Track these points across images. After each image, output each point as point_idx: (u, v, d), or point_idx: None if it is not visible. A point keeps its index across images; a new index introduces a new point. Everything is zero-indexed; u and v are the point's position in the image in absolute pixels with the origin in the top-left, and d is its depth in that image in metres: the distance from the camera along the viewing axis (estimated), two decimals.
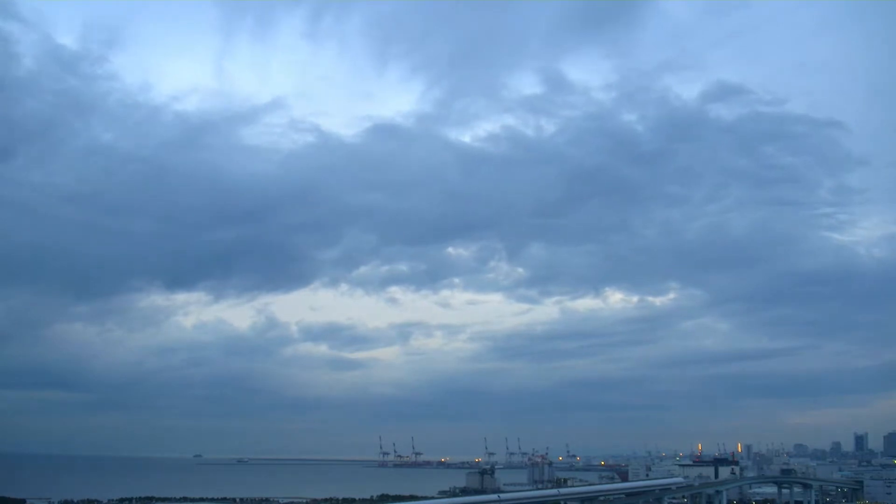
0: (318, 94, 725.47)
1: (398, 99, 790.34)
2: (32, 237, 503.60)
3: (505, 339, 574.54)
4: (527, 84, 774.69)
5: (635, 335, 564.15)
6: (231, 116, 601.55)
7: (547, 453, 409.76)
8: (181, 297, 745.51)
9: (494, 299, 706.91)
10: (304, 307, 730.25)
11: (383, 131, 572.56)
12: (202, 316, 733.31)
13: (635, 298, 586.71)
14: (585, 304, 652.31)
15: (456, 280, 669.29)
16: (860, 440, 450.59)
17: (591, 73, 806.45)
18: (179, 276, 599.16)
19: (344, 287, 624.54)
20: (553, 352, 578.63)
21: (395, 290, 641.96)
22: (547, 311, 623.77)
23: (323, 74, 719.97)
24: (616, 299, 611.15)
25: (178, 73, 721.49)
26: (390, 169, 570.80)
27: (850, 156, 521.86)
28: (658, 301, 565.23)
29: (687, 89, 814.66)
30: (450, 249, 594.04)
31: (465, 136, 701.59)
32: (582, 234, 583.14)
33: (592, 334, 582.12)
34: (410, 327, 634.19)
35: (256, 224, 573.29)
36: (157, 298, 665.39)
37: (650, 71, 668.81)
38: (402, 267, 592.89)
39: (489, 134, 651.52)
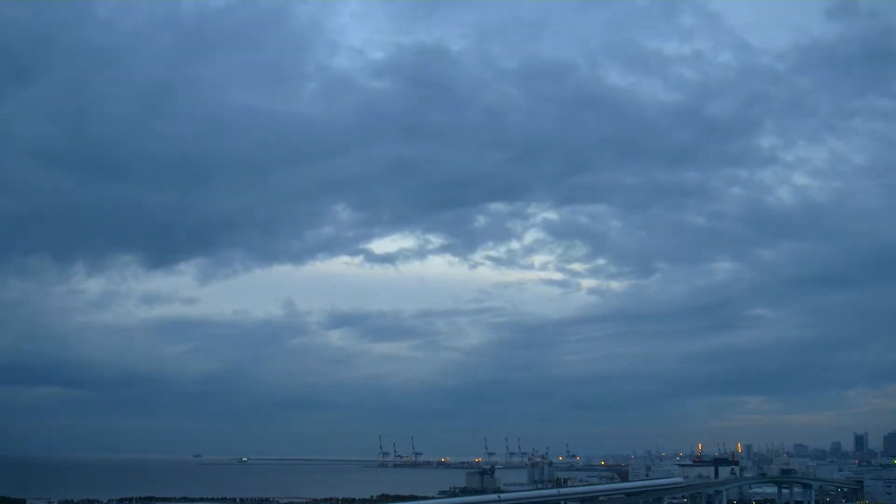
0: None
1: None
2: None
3: (513, 332, 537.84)
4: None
5: (663, 325, 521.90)
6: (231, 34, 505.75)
7: (547, 453, 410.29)
8: (171, 278, 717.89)
9: (527, 278, 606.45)
10: (312, 288, 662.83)
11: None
12: (199, 300, 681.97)
13: (681, 279, 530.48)
14: (630, 284, 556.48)
15: (486, 254, 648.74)
16: (860, 440, 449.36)
17: None
18: (166, 253, 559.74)
19: (363, 265, 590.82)
20: (563, 345, 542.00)
21: (419, 266, 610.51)
22: (580, 294, 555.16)
23: None
24: (661, 280, 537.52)
25: None
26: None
27: None
28: (706, 283, 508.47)
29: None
30: (483, 217, 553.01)
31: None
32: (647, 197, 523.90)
33: (616, 323, 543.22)
34: (428, 316, 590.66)
35: (258, 185, 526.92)
36: (147, 282, 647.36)
37: None
38: (432, 238, 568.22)
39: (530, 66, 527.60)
